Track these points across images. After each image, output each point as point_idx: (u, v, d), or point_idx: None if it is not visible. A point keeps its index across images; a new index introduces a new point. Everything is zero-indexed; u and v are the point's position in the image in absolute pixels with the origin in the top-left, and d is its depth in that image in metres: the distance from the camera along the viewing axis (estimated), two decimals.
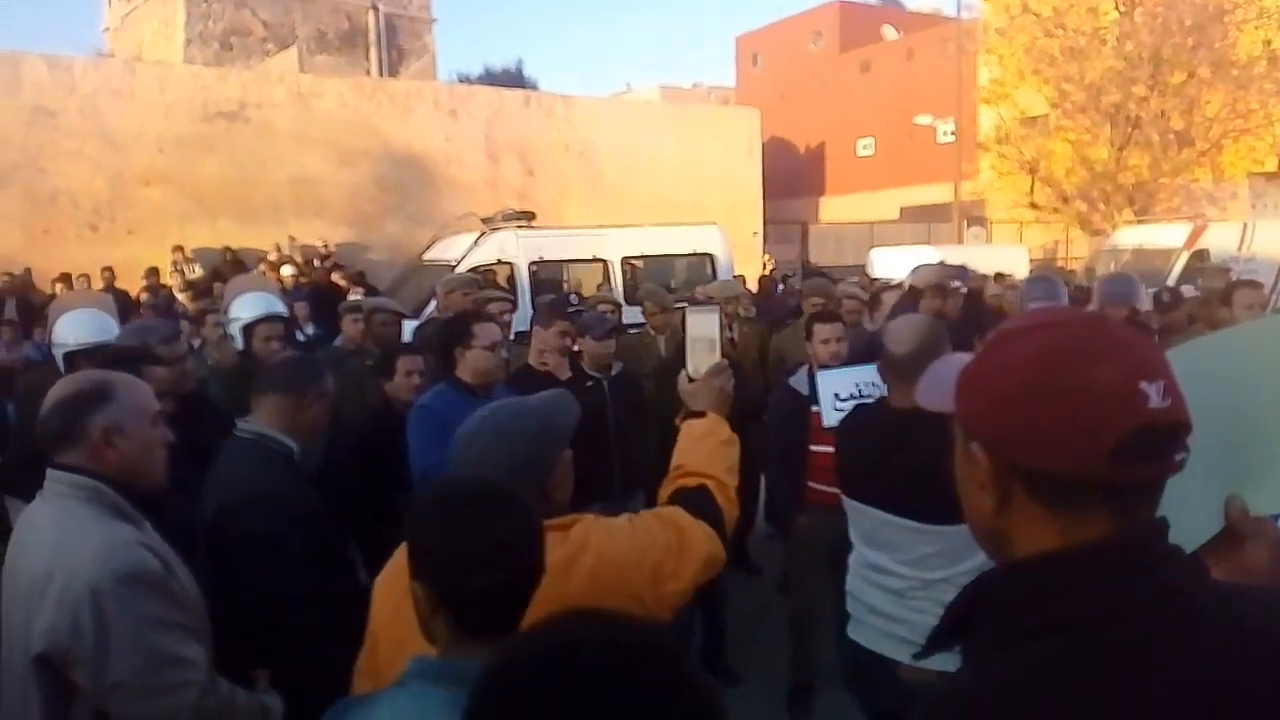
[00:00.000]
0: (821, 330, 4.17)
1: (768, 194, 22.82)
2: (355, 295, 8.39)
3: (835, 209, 31.54)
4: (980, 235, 22.21)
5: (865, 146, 33.61)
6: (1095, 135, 19.31)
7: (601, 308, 5.64)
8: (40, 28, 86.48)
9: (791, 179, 30.89)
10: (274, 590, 2.30)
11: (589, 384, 4.19)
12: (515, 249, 10.69)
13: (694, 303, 6.21)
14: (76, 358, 3.60)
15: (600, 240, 11.42)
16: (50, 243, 14.76)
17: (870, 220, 25.88)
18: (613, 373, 4.37)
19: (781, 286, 14.33)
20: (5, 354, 7.75)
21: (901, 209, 28.91)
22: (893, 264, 12.72)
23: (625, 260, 11.24)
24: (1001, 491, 0.93)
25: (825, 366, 4.04)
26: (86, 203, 15.33)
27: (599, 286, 10.65)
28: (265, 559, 2.31)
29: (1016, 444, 0.89)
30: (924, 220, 25.32)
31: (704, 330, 1.94)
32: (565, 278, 11.69)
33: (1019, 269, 14.23)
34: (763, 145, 22.92)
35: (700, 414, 2.02)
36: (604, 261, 11.17)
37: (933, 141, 28.33)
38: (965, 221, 20.87)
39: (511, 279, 10.47)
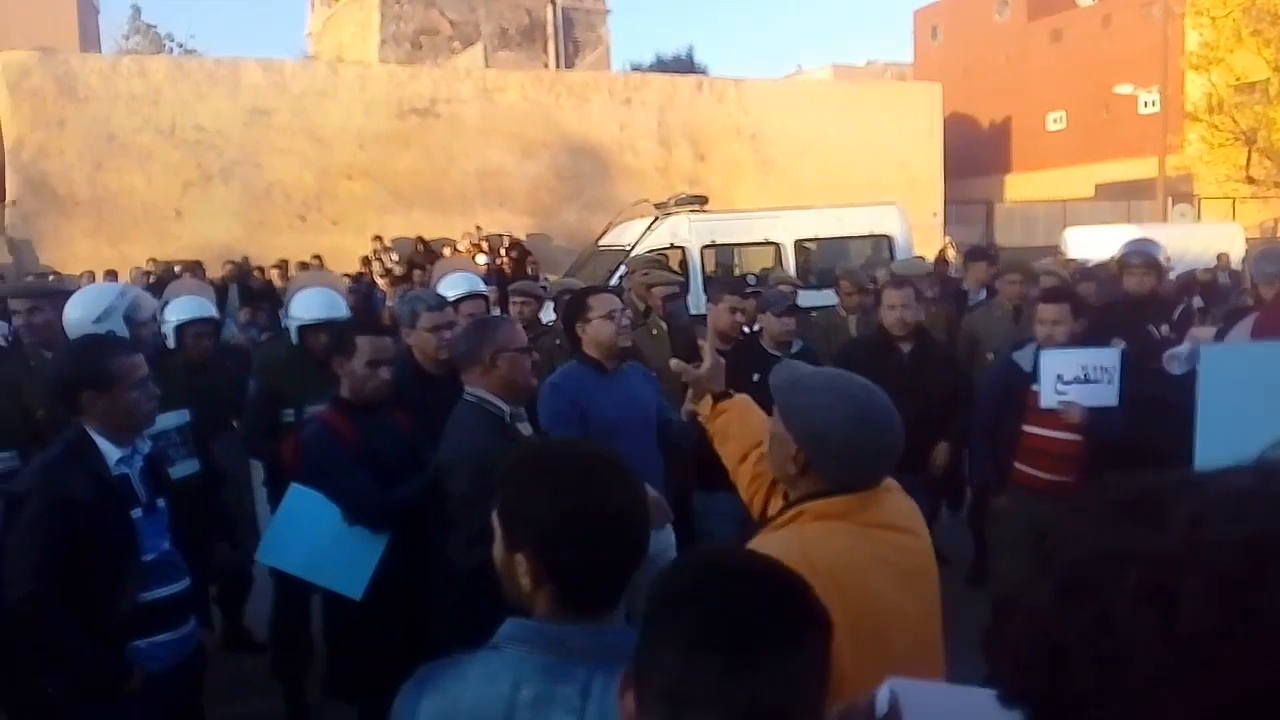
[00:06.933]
0: (1046, 310, 3.90)
1: (948, 173, 21.93)
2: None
3: (1022, 187, 29.89)
4: (1188, 213, 20.50)
5: (1056, 120, 31.66)
6: None
7: (781, 287, 5.64)
8: (250, 34, 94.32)
9: (974, 157, 29.47)
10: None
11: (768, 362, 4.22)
12: (688, 233, 10.79)
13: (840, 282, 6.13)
14: (308, 331, 4.03)
15: (773, 223, 11.34)
16: (265, 233, 16.18)
17: (1063, 198, 24.37)
18: (792, 350, 4.39)
19: (951, 268, 13.69)
20: (239, 334, 8.59)
21: (1097, 186, 27.08)
22: (1090, 244, 11.96)
23: (798, 243, 11.12)
24: None
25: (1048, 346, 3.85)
26: (296, 195, 16.70)
27: (770, 270, 10.59)
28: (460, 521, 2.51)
29: None
30: (1123, 198, 23.58)
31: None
32: (737, 261, 11.69)
33: (1234, 249, 13.08)
34: (943, 122, 22.03)
35: (726, 393, 2.20)
36: (776, 244, 11.09)
37: (1133, 113, 26.34)
38: (1170, 199, 19.31)
39: (684, 263, 10.58)
